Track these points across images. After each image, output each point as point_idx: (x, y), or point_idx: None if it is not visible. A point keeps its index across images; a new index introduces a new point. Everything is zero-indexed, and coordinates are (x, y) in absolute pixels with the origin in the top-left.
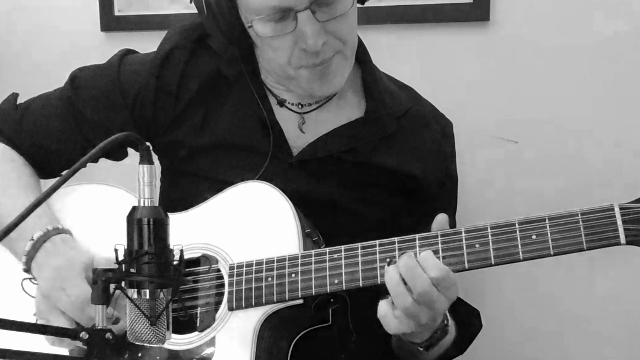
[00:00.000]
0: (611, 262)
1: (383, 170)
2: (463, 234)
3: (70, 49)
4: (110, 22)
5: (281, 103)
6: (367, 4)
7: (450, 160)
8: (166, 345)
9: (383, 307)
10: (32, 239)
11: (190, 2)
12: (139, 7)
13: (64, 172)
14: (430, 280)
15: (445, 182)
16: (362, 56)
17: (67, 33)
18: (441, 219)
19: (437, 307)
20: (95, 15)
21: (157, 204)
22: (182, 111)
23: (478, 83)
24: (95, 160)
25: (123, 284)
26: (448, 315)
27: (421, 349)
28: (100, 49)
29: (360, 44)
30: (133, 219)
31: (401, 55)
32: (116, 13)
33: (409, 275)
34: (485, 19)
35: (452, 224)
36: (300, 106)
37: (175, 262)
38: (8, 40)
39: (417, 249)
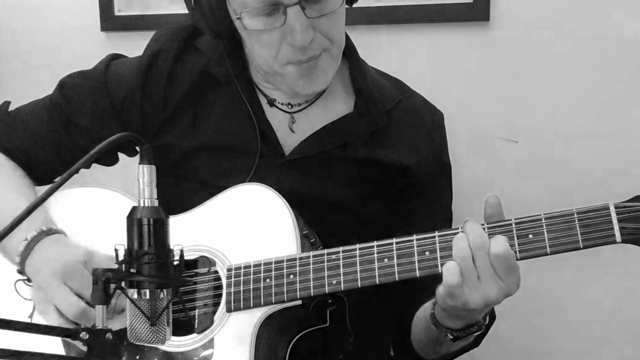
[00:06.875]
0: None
1: (376, 164)
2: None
3: (70, 49)
4: (110, 22)
5: (271, 103)
6: (366, 4)
7: (442, 149)
8: (164, 347)
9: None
10: (26, 239)
11: None
12: (139, 7)
13: (58, 178)
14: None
15: (439, 172)
16: (348, 51)
17: (67, 33)
18: (492, 200)
19: (490, 294)
20: (95, 15)
21: (157, 204)
22: (171, 114)
23: (477, 83)
24: (88, 165)
25: (123, 284)
26: (487, 316)
27: (450, 337)
28: (100, 49)
29: (347, 39)
30: (133, 219)
31: (401, 55)
32: (116, 13)
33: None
34: (485, 19)
35: (449, 215)
36: (290, 106)
37: (175, 262)
38: (8, 40)
39: (415, 248)
